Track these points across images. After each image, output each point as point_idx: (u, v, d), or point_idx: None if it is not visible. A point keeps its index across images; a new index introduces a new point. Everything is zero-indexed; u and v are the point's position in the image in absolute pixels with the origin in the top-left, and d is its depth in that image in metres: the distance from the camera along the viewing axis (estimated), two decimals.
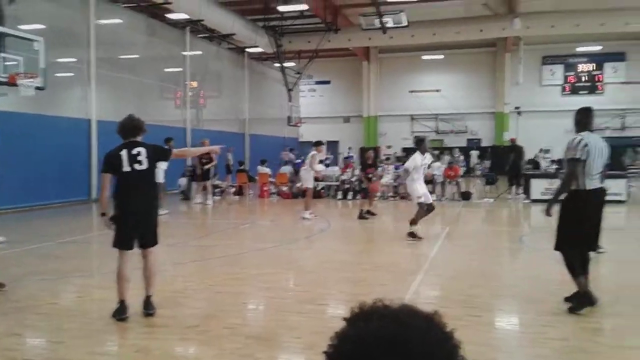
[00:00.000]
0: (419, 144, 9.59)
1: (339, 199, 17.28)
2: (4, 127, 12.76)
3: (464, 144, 30.76)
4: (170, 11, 18.62)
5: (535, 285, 6.30)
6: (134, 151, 4.92)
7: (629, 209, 14.29)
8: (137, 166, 4.91)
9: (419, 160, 9.35)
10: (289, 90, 26.70)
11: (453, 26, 23.31)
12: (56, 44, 13.85)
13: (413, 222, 9.35)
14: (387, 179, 17.87)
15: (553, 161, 23.11)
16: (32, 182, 13.92)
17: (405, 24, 20.96)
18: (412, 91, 31.95)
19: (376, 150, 22.59)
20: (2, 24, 11.67)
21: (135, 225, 4.97)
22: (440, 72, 31.59)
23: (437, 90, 31.67)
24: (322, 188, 17.73)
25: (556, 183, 10.50)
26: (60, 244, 9.56)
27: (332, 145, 31.02)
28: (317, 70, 31.06)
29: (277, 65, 26.16)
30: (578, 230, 5.12)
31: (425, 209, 9.43)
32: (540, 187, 15.50)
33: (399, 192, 17.83)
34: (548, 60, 30.55)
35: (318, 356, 3.57)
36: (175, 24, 20.06)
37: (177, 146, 16.06)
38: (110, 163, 4.94)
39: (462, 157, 26.84)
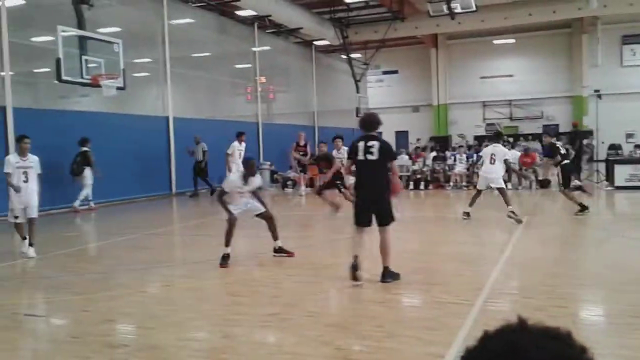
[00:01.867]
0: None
1: (411, 189, 17.13)
2: (88, 126, 13.48)
3: (539, 130, 29.57)
4: (239, 8, 19.01)
5: (623, 275, 6.02)
6: (369, 143, 5.82)
7: None
8: (369, 156, 5.80)
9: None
10: (357, 81, 26.63)
11: (524, 8, 22.39)
12: (133, 45, 14.34)
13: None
14: (460, 167, 17.54)
15: (638, 146, 21.88)
16: (117, 178, 14.07)
17: (474, 8, 20.35)
18: (483, 77, 31.05)
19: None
20: (83, 28, 12.27)
21: (368, 206, 5.88)
22: (512, 56, 30.46)
23: (510, 76, 30.61)
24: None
25: None
26: (146, 235, 10.05)
27: (402, 135, 30.70)
28: (384, 60, 30.76)
29: (344, 57, 26.15)
30: None
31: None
32: (624, 174, 14.73)
33: (472, 181, 17.45)
34: (628, 39, 28.71)
35: (401, 345, 3.60)
36: (244, 20, 20.47)
37: (249, 140, 16.39)
38: (351, 151, 6.08)
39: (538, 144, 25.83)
